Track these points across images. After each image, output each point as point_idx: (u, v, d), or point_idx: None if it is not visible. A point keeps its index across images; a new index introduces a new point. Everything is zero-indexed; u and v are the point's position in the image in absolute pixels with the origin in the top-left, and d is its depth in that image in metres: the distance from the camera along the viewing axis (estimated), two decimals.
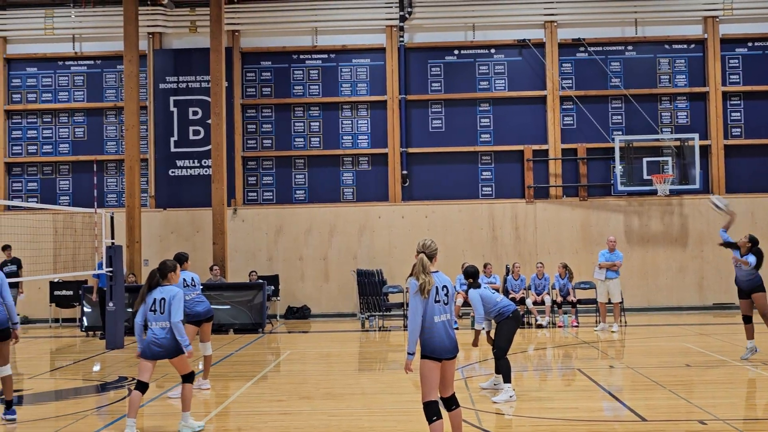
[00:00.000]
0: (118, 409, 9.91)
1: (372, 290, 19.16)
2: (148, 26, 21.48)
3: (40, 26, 21.98)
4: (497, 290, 18.55)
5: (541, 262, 18.92)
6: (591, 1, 21.59)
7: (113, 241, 16.68)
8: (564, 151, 21.45)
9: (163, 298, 8.44)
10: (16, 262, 18.88)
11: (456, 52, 21.83)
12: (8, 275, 18.41)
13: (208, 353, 11.07)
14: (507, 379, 9.98)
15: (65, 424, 9.11)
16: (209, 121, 20.71)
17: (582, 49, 21.62)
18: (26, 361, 14.77)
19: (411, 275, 6.99)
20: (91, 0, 21.92)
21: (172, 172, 21.52)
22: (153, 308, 8.47)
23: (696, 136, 20.62)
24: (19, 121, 22.20)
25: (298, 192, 21.84)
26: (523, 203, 21.26)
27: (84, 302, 18.60)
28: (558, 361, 13.77)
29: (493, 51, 21.78)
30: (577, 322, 18.09)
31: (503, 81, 21.73)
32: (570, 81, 21.59)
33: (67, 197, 21.92)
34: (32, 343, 17.50)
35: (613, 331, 16.78)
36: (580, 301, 18.48)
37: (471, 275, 10.29)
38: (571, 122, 21.55)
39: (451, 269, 19.81)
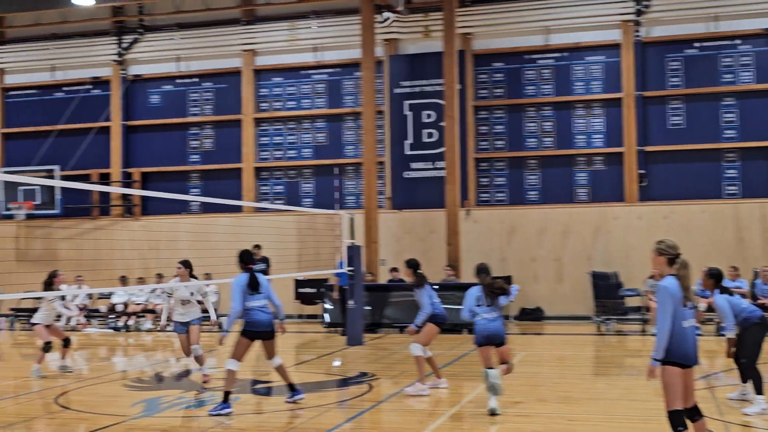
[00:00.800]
0: (359, 404, 10.28)
1: (608, 293, 18.64)
2: (384, 33, 22.14)
3: (284, 38, 23.27)
4: (744, 295, 17.51)
5: None
6: None
7: (353, 241, 17.32)
8: None
9: None
10: (266, 260, 20.10)
11: (697, 44, 20.78)
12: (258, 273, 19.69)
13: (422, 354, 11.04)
14: (759, 390, 9.36)
15: (309, 416, 9.56)
16: (443, 124, 21.02)
17: None
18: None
19: (651, 276, 6.75)
20: (331, 11, 22.92)
21: (407, 174, 22.04)
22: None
23: None
24: (267, 128, 23.61)
25: (530, 193, 21.67)
26: None
27: (325, 300, 19.47)
28: None
29: (737, 41, 20.53)
30: None
31: (750, 73, 20.43)
32: None
33: (310, 199, 23.05)
34: (279, 338, 18.49)
35: None
36: None
37: (716, 278, 9.74)
38: None
39: (694, 272, 18.92)
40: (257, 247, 20.22)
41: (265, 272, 19.67)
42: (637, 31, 20.88)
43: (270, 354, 10.11)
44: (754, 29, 20.33)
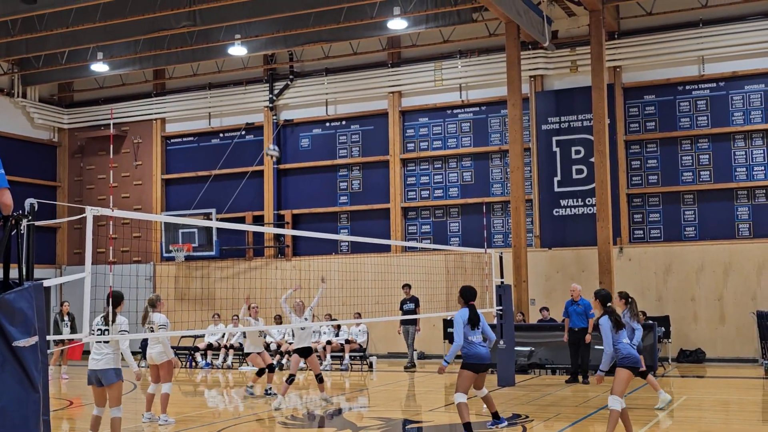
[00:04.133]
0: None
1: None
2: (530, 69, 21.94)
3: (430, 79, 23.44)
4: None
5: None
6: None
7: (503, 280, 17.07)
8: None
9: None
10: (415, 300, 20.14)
11: None
12: (406, 312, 19.74)
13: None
14: None
15: None
16: (592, 160, 20.54)
17: None
18: (424, 394, 15.55)
19: None
20: (476, 50, 22.93)
21: (557, 211, 21.62)
22: None
23: None
24: (413, 168, 23.75)
25: (687, 229, 20.79)
26: None
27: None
28: None
29: None
30: None
31: None
32: None
33: (457, 238, 22.95)
34: (429, 378, 18.42)
35: None
36: None
37: None
38: None
39: None
40: (407, 286, 20.28)
41: (414, 312, 19.69)
42: None
43: (480, 385, 10.72)
44: None
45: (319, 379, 14.24)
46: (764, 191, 20.17)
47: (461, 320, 10.34)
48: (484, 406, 11.32)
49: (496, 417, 10.91)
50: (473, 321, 10.41)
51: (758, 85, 20.39)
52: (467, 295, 10.66)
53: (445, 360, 10.47)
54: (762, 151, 20.25)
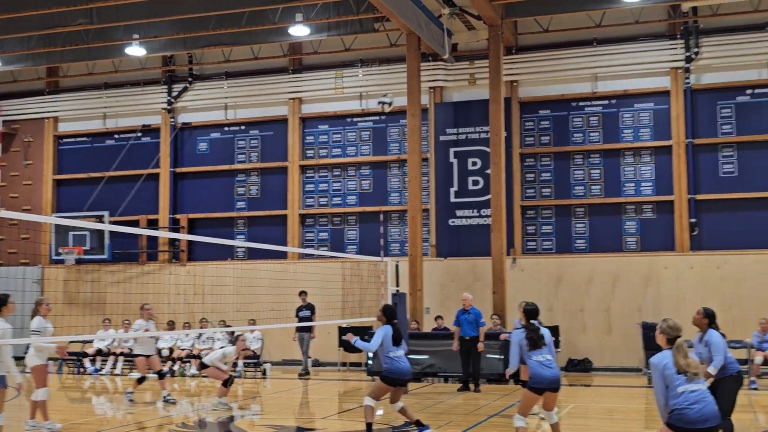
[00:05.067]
0: None
1: (659, 344, 18.15)
2: (430, 81, 22.21)
3: (331, 86, 23.45)
4: None
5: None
6: None
7: (398, 288, 17.17)
8: None
9: None
10: (311, 307, 20.05)
11: (749, 91, 20.47)
12: (302, 320, 19.64)
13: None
14: None
15: None
16: (488, 171, 20.89)
17: None
18: (318, 402, 15.49)
19: None
20: (377, 59, 23.07)
21: (452, 221, 21.90)
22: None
23: None
24: (312, 175, 23.70)
25: (578, 241, 21.37)
26: None
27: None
28: None
29: None
30: None
31: None
32: None
33: (354, 246, 22.98)
34: (323, 385, 18.37)
35: None
36: None
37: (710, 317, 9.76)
38: None
39: (747, 323, 18.43)
40: (303, 293, 20.18)
41: (310, 319, 19.60)
42: (687, 78, 20.65)
43: (396, 399, 10.91)
44: None
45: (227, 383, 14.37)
46: (651, 206, 20.90)
47: (382, 334, 10.75)
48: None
49: (420, 425, 11.06)
50: (396, 339, 10.76)
51: (647, 104, 21.14)
52: (389, 314, 10.92)
53: (356, 340, 11.05)
54: (650, 168, 20.98)
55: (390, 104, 17.52)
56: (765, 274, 19.52)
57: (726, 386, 9.35)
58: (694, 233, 20.33)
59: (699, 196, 20.40)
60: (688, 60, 20.59)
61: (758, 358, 17.05)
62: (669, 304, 19.97)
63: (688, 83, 20.64)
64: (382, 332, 10.78)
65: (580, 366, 20.47)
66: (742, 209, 20.20)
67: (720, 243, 20.17)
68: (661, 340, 7.18)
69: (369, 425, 10.68)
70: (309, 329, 19.92)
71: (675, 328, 7.15)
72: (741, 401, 13.58)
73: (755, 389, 16.43)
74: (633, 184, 21.09)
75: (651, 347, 18.14)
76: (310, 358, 20.51)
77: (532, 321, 9.53)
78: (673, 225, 20.53)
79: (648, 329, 18.45)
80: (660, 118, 20.97)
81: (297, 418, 13.79)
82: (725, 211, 20.30)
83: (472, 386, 16.69)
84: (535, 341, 9.24)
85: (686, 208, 20.37)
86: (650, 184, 20.96)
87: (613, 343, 20.48)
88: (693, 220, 20.31)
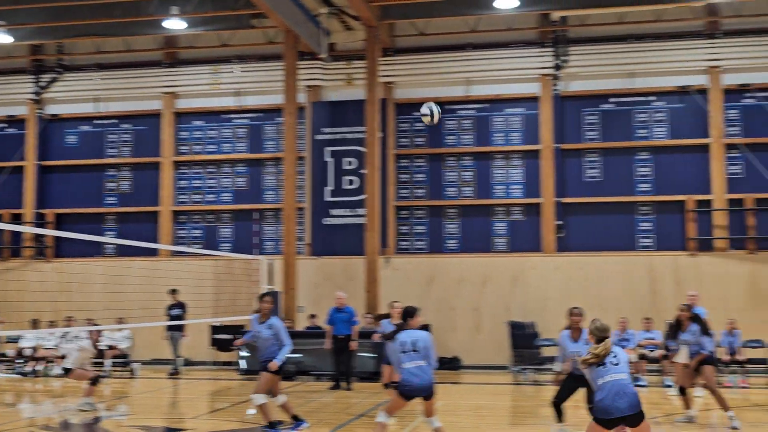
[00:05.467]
0: None
1: (525, 343, 18.78)
2: (307, 80, 22.20)
3: (206, 82, 23.12)
4: (658, 346, 17.85)
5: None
6: (758, 45, 20.66)
7: (271, 287, 17.11)
8: (730, 201, 20.50)
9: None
10: (182, 305, 19.71)
11: (613, 99, 21.39)
12: (173, 318, 19.28)
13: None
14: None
15: None
16: (363, 171, 21.06)
17: (749, 95, 20.73)
18: (188, 402, 15.27)
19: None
20: (254, 56, 22.90)
21: (327, 220, 21.97)
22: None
23: None
24: (186, 171, 23.31)
25: (449, 242, 21.81)
26: (685, 256, 20.41)
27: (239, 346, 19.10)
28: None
29: (652, 98, 21.20)
30: (747, 384, 17.07)
31: (664, 129, 21.08)
32: (736, 128, 20.71)
33: (228, 244, 22.74)
34: (194, 385, 18.11)
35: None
36: (750, 361, 17.52)
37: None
38: (738, 171, 20.59)
39: (609, 322, 19.18)
40: (173, 291, 19.82)
41: (181, 317, 19.28)
42: (556, 85, 21.39)
43: (276, 392, 10.92)
44: (668, 86, 21.03)
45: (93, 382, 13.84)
46: (520, 209, 21.53)
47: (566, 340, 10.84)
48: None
49: (296, 419, 11.04)
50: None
51: (518, 109, 21.78)
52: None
53: (278, 359, 10.84)
54: (520, 171, 21.61)
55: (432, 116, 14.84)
56: (625, 274, 20.44)
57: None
58: (560, 235, 21.08)
59: (565, 200, 21.17)
60: (557, 68, 21.33)
61: (632, 355, 17.83)
62: (536, 303, 20.64)
63: (557, 90, 21.39)
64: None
65: (449, 364, 20.88)
66: (604, 213, 21.08)
67: (584, 245, 20.99)
68: (591, 339, 7.83)
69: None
70: (180, 328, 19.60)
71: (603, 329, 7.80)
72: None
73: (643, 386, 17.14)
74: (503, 187, 21.68)
75: (518, 345, 18.78)
76: (180, 357, 20.16)
77: (406, 321, 9.47)
78: (540, 227, 21.23)
79: (515, 328, 19.07)
80: (530, 123, 21.64)
81: (166, 419, 13.56)
82: (589, 214, 21.14)
83: (344, 384, 16.79)
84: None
85: (553, 210, 21.10)
86: (520, 186, 21.59)
87: (482, 342, 21.00)
88: (559, 222, 21.06)
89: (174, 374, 19.57)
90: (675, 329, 12.28)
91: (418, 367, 9.05)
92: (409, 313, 9.51)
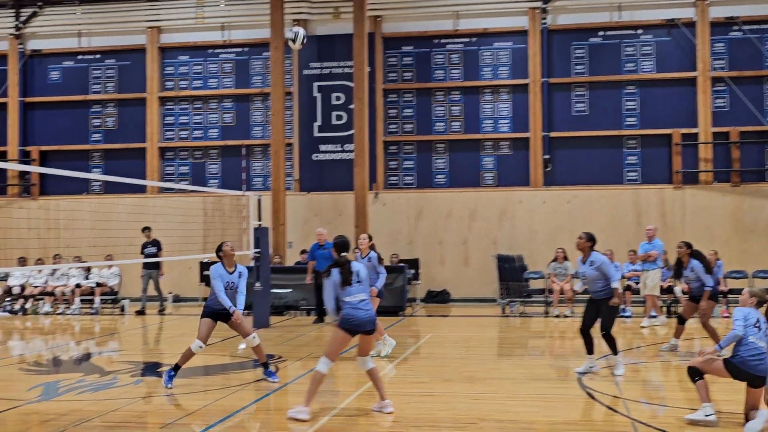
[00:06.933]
0: (266, 386, 10.18)
1: (512, 276, 18.97)
2: (294, 13, 21.92)
3: (191, 16, 22.80)
4: (638, 278, 18.05)
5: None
6: None
7: (260, 222, 17.14)
8: (715, 134, 20.58)
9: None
10: (156, 243, 19.63)
11: (601, 33, 21.27)
12: (148, 256, 19.20)
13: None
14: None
15: (215, 398, 9.43)
16: (352, 106, 20.97)
17: (736, 27, 20.64)
18: (178, 338, 15.41)
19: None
20: None
21: (316, 156, 21.93)
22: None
23: None
24: (172, 107, 23.13)
25: (438, 176, 21.84)
26: (671, 189, 20.55)
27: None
28: None
29: (639, 32, 21.10)
30: (728, 313, 17.36)
31: (650, 62, 21.02)
32: (722, 61, 20.68)
33: (216, 180, 22.70)
34: (183, 321, 18.25)
35: (642, 326, 15.92)
36: (732, 291, 17.79)
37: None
38: (723, 104, 20.64)
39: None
40: (147, 229, 19.73)
41: (156, 255, 19.21)
42: (544, 18, 21.23)
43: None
44: (656, 20, 20.92)
45: None
46: (508, 143, 21.55)
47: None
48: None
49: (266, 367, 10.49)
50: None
51: (507, 43, 21.63)
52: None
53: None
54: (507, 105, 21.57)
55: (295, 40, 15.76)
56: (611, 208, 20.60)
57: (610, 305, 10.48)
58: (548, 169, 21.14)
59: (552, 134, 21.19)
60: (545, 1, 21.14)
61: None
62: (523, 237, 20.82)
63: (545, 23, 21.23)
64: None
65: (438, 297, 21.12)
66: (591, 147, 21.13)
67: (570, 179, 21.09)
68: (751, 301, 7.77)
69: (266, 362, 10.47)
70: (157, 266, 19.49)
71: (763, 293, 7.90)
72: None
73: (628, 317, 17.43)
74: (491, 121, 21.65)
75: (505, 278, 18.97)
76: (171, 294, 20.22)
77: (342, 254, 8.79)
78: (528, 161, 21.28)
79: (503, 261, 19.23)
80: (518, 57, 21.52)
81: (156, 354, 13.70)
82: (576, 148, 21.19)
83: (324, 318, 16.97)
84: (346, 278, 8.49)
85: (540, 145, 21.13)
86: (507, 121, 21.57)
87: (470, 275, 21.20)
88: (546, 156, 21.10)
89: (162, 311, 19.58)
90: (678, 267, 12.45)
91: (362, 302, 8.53)
92: (344, 245, 8.89)
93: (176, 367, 10.16)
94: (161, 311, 19.66)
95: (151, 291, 19.58)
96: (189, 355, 10.16)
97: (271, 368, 10.57)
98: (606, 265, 10.39)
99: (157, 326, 17.61)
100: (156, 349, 14.54)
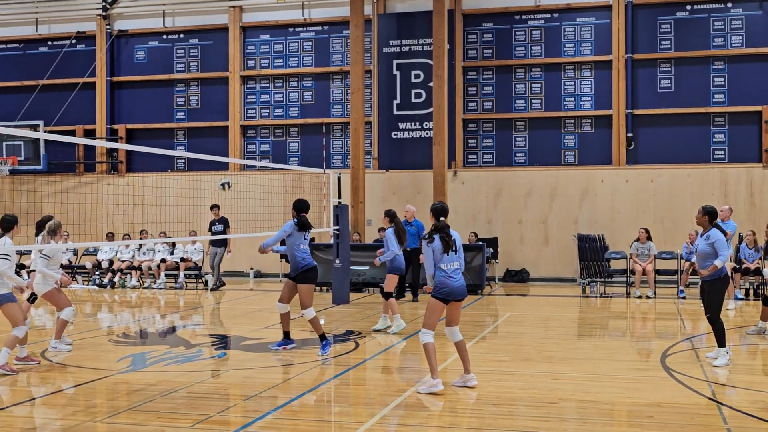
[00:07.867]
0: (345, 361, 10.30)
1: (593, 255, 18.72)
2: None
3: None
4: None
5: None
6: None
7: (340, 200, 17.27)
8: None
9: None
10: (224, 221, 19.94)
11: (688, 7, 20.69)
12: (215, 234, 19.50)
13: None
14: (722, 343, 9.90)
15: (296, 372, 9.58)
16: (431, 84, 20.90)
17: None
18: (260, 313, 15.69)
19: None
20: None
21: (395, 134, 21.95)
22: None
23: None
24: (254, 86, 23.41)
25: (518, 154, 21.64)
26: (760, 168, 19.95)
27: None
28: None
29: (729, 5, 20.45)
30: None
31: (740, 37, 20.37)
32: None
33: (296, 158, 22.94)
34: (265, 296, 18.56)
35: (727, 309, 14.90)
36: None
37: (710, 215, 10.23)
38: None
39: (678, 235, 19.10)
40: (215, 207, 20.05)
41: (224, 233, 19.51)
42: None
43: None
44: None
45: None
46: (590, 121, 21.20)
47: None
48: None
49: (323, 339, 10.75)
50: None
51: (589, 18, 21.23)
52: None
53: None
54: (590, 83, 21.20)
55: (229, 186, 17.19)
56: (696, 187, 20.11)
57: (715, 287, 9.94)
58: (631, 148, 20.74)
59: (636, 111, 20.76)
60: None
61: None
62: (604, 216, 20.51)
63: None
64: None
65: (517, 276, 20.99)
66: (676, 124, 20.64)
67: (654, 157, 20.64)
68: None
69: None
70: (224, 243, 19.79)
71: None
72: (670, 309, 14.15)
73: (683, 298, 17.09)
74: (573, 99, 21.32)
75: (585, 258, 18.73)
76: (252, 269, 20.52)
77: (441, 219, 8.61)
78: (611, 139, 20.90)
79: (583, 241, 18.99)
80: (601, 32, 21.10)
81: (239, 328, 13.97)
82: (661, 126, 20.72)
83: (409, 296, 17.02)
84: (447, 243, 8.41)
85: (623, 122, 20.72)
86: (589, 98, 21.21)
87: (550, 255, 21.00)
88: (630, 134, 20.70)
89: (215, 289, 19.69)
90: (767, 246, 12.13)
91: (456, 270, 8.49)
92: (442, 210, 8.69)
93: (323, 338, 10.74)
94: (216, 287, 19.73)
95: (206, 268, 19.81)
96: (317, 324, 10.78)
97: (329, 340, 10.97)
98: (720, 243, 9.84)
99: (241, 300, 17.95)
100: (239, 323, 14.82)
